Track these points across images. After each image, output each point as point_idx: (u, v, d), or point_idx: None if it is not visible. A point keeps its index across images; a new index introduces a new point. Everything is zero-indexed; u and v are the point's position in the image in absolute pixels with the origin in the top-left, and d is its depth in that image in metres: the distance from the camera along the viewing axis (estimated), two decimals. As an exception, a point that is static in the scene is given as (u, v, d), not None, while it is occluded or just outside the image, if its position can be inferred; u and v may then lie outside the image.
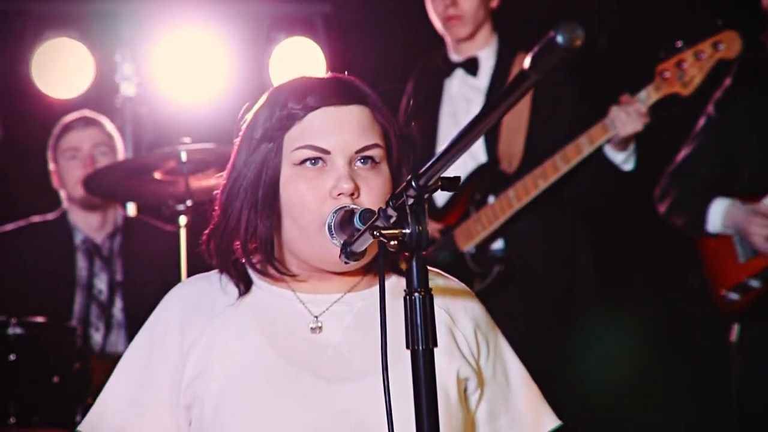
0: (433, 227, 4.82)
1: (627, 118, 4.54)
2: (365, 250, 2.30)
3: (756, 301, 4.55)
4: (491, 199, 4.82)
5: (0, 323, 4.46)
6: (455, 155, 1.98)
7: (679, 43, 4.59)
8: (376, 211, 2.33)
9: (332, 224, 2.40)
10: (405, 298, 2.07)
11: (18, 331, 4.43)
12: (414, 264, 2.08)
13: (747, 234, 4.57)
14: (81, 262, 5.35)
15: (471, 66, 5.02)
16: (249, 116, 2.53)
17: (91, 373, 4.62)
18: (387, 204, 2.11)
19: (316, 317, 2.49)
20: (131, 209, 5.82)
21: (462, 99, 5.01)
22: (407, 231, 2.06)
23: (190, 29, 6.41)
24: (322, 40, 6.54)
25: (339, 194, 2.40)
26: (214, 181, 4.58)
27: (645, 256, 5.96)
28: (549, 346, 4.80)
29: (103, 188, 4.80)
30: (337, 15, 6.67)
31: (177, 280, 5.00)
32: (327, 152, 2.42)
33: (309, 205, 2.40)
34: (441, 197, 4.94)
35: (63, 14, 6.37)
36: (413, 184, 2.04)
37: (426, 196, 2.07)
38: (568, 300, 4.95)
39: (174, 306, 2.55)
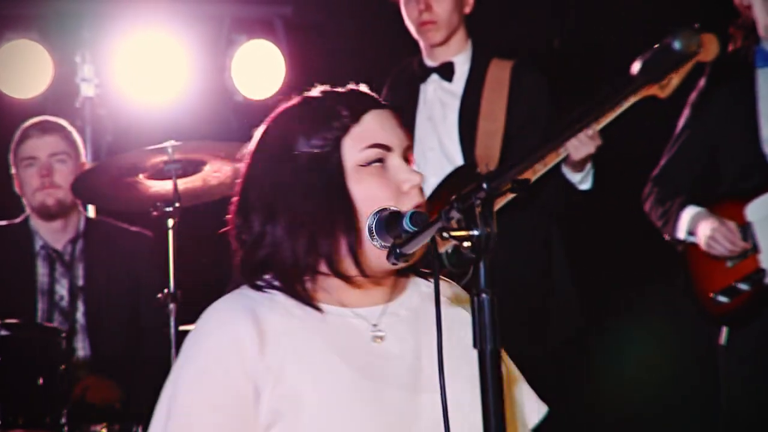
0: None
1: (579, 143, 4.55)
2: (415, 251, 2.36)
3: (744, 304, 4.64)
4: (468, 201, 4.86)
5: (-16, 326, 4.45)
6: (534, 160, 2.04)
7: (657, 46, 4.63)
8: (423, 211, 2.40)
9: (373, 226, 2.44)
10: (473, 299, 2.12)
11: (2, 333, 4.40)
12: (482, 265, 2.13)
13: (707, 244, 4.66)
14: (41, 268, 5.31)
15: (446, 71, 5.07)
16: (268, 133, 2.56)
17: (74, 376, 4.61)
18: (450, 206, 2.16)
19: (375, 325, 2.49)
20: (91, 211, 5.80)
21: (438, 103, 5.06)
22: (476, 233, 2.11)
23: (151, 30, 6.40)
24: (282, 43, 6.56)
25: (411, 186, 2.45)
26: (201, 183, 4.62)
27: (625, 258, 6.06)
28: (525, 347, 4.85)
29: (91, 190, 4.78)
30: (297, 17, 6.69)
31: (145, 279, 5.05)
32: (390, 149, 2.47)
33: (383, 203, 2.43)
34: (417, 199, 4.98)
35: (23, 15, 6.33)
36: (484, 186, 2.09)
37: (495, 198, 2.13)
38: (544, 301, 5.03)
39: (228, 329, 2.42)
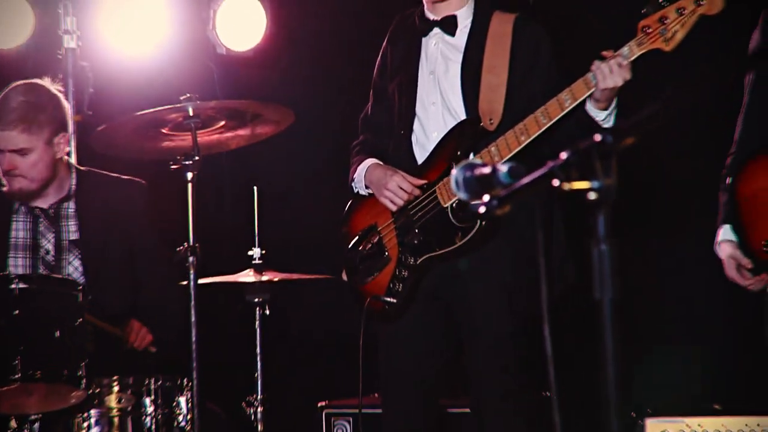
0: (414, 183, 4.89)
1: (609, 72, 4.60)
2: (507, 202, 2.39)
3: None
4: (472, 156, 4.88)
5: (3, 278, 4.42)
6: (658, 117, 2.08)
7: None
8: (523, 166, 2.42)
9: (460, 179, 2.46)
10: (593, 250, 2.17)
11: (20, 286, 4.39)
12: (601, 216, 2.18)
13: None
14: (21, 224, 5.26)
15: (448, 25, 5.05)
16: None
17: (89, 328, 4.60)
18: (566, 158, 2.20)
19: None
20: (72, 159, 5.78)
21: (440, 57, 5.04)
22: (596, 184, 2.15)
23: (133, -18, 6.39)
24: (265, -2, 6.58)
25: None
26: (218, 135, 4.63)
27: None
28: (531, 298, 4.90)
29: (111, 144, 4.75)
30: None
31: (139, 227, 5.22)
32: None
33: None
34: (421, 154, 5.00)
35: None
36: (607, 139, 2.13)
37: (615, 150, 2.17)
38: (546, 256, 5.05)
39: None
